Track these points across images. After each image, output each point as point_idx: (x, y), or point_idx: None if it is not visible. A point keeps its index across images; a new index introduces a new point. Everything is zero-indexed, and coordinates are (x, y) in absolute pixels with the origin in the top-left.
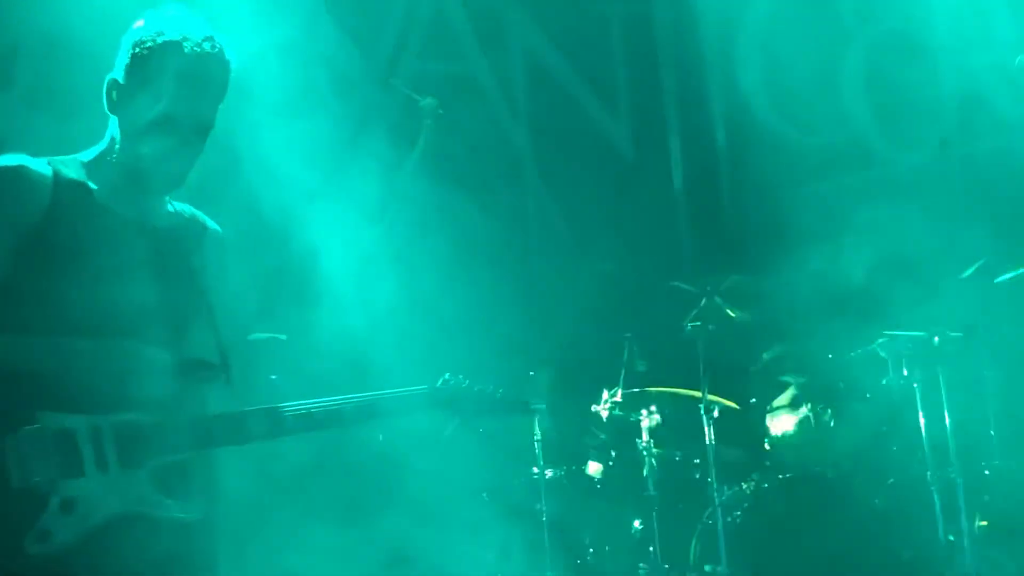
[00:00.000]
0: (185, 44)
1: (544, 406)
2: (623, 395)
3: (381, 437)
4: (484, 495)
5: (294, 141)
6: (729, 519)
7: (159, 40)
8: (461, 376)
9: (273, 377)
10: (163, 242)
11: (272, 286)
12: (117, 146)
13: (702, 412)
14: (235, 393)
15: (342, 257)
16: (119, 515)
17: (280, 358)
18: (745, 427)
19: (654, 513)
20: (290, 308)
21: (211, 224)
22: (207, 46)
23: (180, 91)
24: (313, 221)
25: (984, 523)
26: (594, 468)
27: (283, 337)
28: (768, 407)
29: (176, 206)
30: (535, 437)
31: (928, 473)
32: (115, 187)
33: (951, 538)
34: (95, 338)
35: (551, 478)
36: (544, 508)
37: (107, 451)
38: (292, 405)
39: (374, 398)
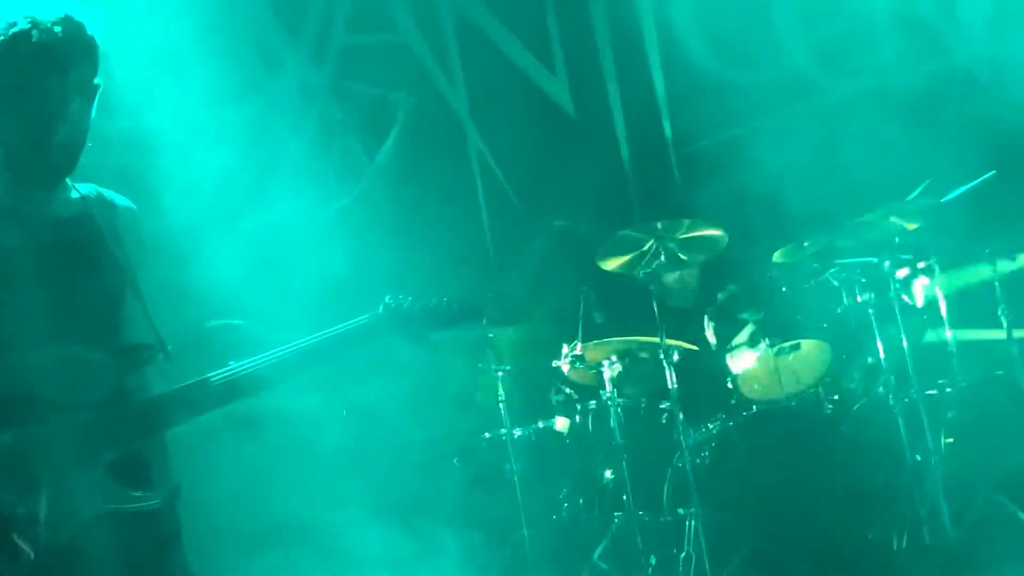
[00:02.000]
0: (34, 32)
1: (486, 316)
2: (583, 348)
3: (345, 412)
4: (455, 460)
5: (227, 123)
6: (698, 460)
7: (9, 32)
8: (401, 296)
9: (231, 363)
10: (73, 231)
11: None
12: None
13: (662, 357)
14: (177, 368)
15: (289, 233)
16: (90, 518)
17: (237, 344)
18: (707, 368)
19: (624, 462)
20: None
21: (120, 200)
22: (57, 30)
23: (27, 81)
24: (252, 201)
25: (950, 440)
26: (561, 423)
27: (239, 323)
28: (727, 346)
29: (82, 189)
30: (500, 398)
31: (890, 396)
32: (6, 187)
33: (918, 458)
34: (22, 347)
35: (519, 437)
36: (515, 467)
37: (60, 456)
38: (234, 367)
39: (320, 338)
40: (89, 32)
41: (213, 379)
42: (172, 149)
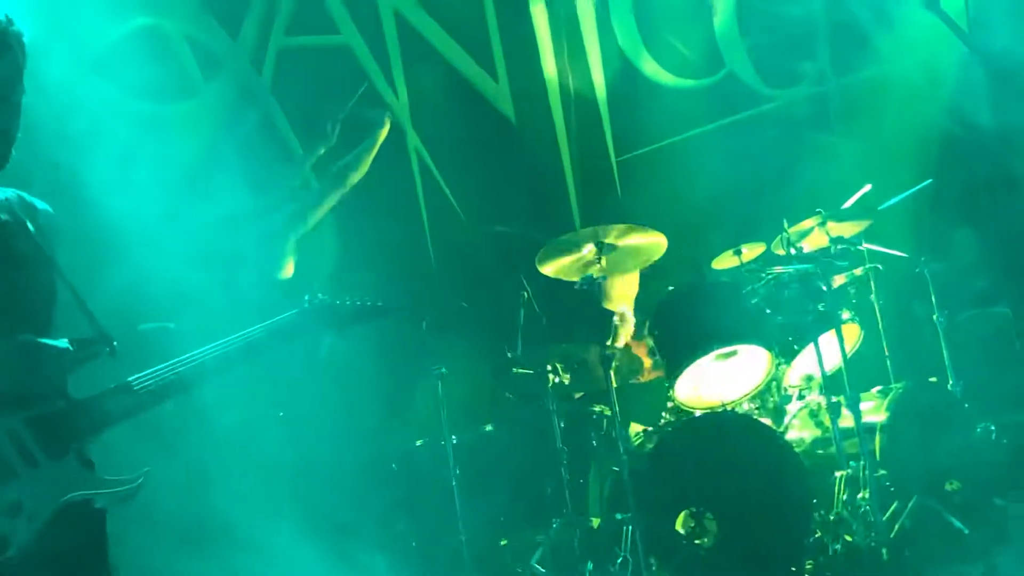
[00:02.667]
0: None
1: (402, 308)
2: (523, 353)
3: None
4: (393, 465)
5: (167, 125)
6: (636, 466)
7: None
8: (320, 295)
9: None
10: (2, 229)
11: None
12: None
13: (602, 363)
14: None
15: (228, 235)
16: (64, 504)
17: (170, 347)
18: (646, 373)
19: (564, 466)
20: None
21: (40, 204)
22: None
23: None
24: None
25: (884, 446)
26: (501, 428)
27: (172, 326)
28: (666, 352)
29: (3, 193)
30: (439, 403)
31: (823, 402)
32: None
33: (853, 464)
34: None
35: (458, 442)
36: (453, 472)
37: (30, 446)
38: (162, 367)
39: (250, 334)
40: (17, 26)
41: (138, 381)
42: (107, 150)
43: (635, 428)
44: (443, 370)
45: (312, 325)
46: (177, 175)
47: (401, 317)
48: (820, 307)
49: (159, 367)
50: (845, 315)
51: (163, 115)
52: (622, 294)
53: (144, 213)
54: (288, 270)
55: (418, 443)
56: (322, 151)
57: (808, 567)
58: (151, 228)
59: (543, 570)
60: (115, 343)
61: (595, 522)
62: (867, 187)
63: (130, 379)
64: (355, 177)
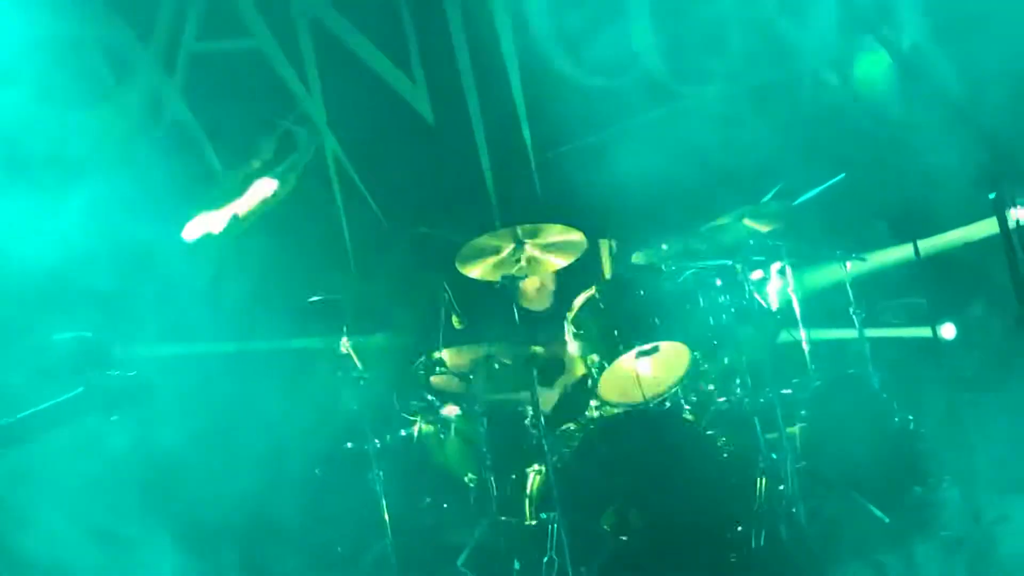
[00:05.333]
0: None
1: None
2: (445, 354)
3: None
4: (316, 470)
5: (78, 131)
6: (560, 464)
7: None
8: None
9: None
10: None
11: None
12: None
13: (523, 362)
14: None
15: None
16: None
17: (87, 356)
18: (568, 371)
19: (488, 467)
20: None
21: None
22: None
23: None
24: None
25: (804, 438)
26: (424, 430)
27: (88, 335)
28: (588, 349)
29: None
30: (361, 406)
31: (747, 397)
32: None
33: (774, 456)
34: None
35: (381, 445)
36: (377, 475)
37: None
38: None
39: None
40: None
41: None
42: (13, 157)
43: (560, 426)
44: (366, 374)
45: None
46: (89, 183)
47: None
48: (739, 302)
49: None
50: (763, 308)
51: (73, 121)
52: (544, 293)
53: (57, 217)
54: (206, 279)
55: (348, 444)
56: (257, 165)
57: (732, 560)
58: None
59: (469, 572)
60: None
61: (521, 522)
62: (782, 183)
63: None
64: (283, 191)
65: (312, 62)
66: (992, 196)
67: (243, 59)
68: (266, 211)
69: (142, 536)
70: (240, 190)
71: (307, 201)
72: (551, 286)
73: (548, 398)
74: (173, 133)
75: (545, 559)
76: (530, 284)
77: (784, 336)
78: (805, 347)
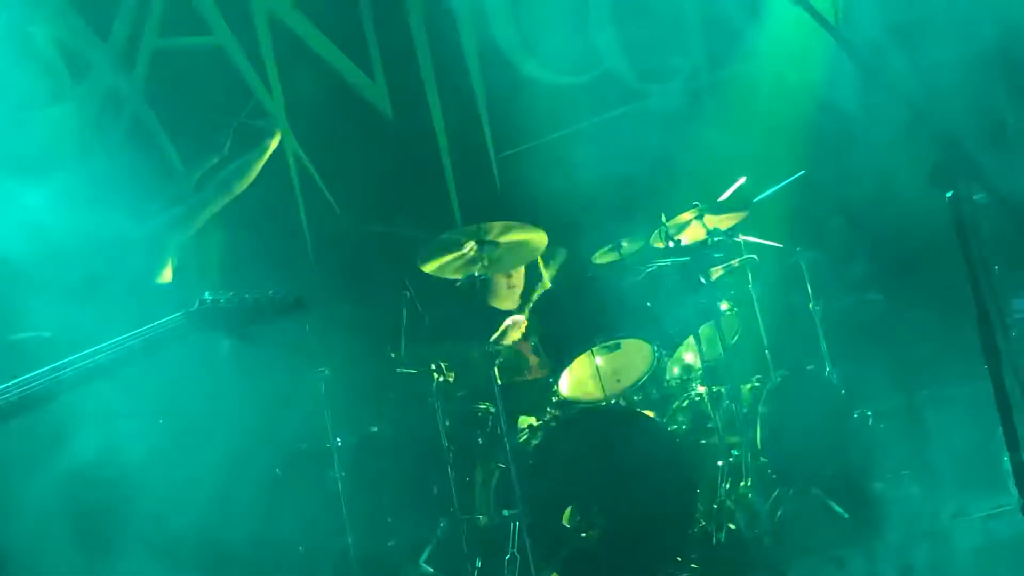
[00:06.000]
0: None
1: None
2: (406, 352)
3: (162, 421)
4: (276, 469)
5: (33, 128)
6: (522, 462)
7: None
8: (222, 292)
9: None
10: None
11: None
12: None
13: (486, 360)
14: None
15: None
16: None
17: (47, 356)
18: (530, 369)
19: (450, 466)
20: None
21: None
22: None
23: None
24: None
25: (764, 434)
26: (386, 429)
27: (47, 334)
28: (550, 347)
29: None
30: (323, 404)
31: (705, 392)
32: None
33: (735, 453)
34: None
35: (343, 443)
36: (339, 474)
37: None
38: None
39: (132, 338)
40: None
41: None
42: None
43: (522, 424)
44: (326, 372)
45: (203, 326)
46: (47, 182)
47: (301, 314)
48: (699, 299)
49: (25, 377)
50: (724, 306)
51: (30, 120)
52: (505, 291)
53: (9, 220)
54: (166, 275)
55: (303, 446)
56: (215, 161)
57: (693, 556)
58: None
59: (431, 570)
60: None
61: (483, 520)
62: (742, 179)
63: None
64: (241, 186)
65: (272, 60)
66: (949, 195)
67: (204, 56)
68: (225, 207)
69: (95, 535)
70: (199, 187)
71: (267, 198)
72: (520, 285)
73: (511, 395)
74: (133, 130)
75: (507, 557)
76: (493, 282)
77: (743, 332)
78: (764, 343)
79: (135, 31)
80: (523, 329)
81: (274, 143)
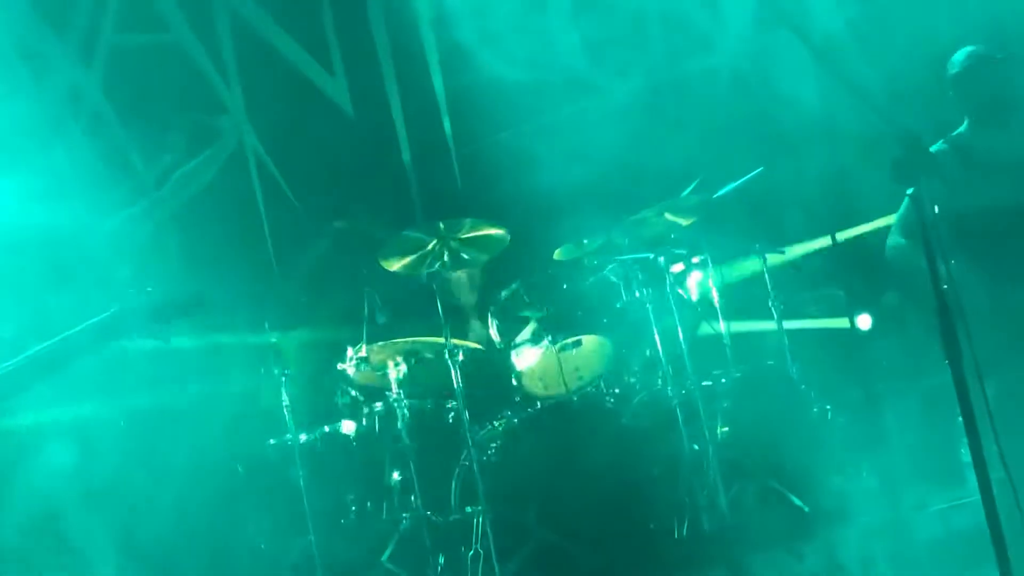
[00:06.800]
0: None
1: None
2: (367, 349)
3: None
4: (239, 467)
5: None
6: (484, 458)
7: None
8: (150, 288)
9: None
10: None
11: None
12: None
13: (447, 357)
14: None
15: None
16: None
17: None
18: (491, 366)
19: (411, 463)
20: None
21: None
22: None
23: None
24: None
25: (725, 429)
26: (348, 427)
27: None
28: (511, 344)
29: None
30: (284, 402)
31: (668, 388)
32: None
33: (696, 447)
34: None
35: (305, 442)
36: (300, 472)
37: None
38: None
39: (54, 343)
40: None
41: None
42: None
43: (484, 420)
44: (288, 370)
45: (115, 335)
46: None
47: (215, 310)
48: (660, 294)
49: None
50: (684, 300)
51: None
52: (466, 288)
53: None
54: (127, 270)
55: (271, 441)
56: (174, 158)
57: (654, 551)
58: None
59: (394, 567)
60: None
61: (446, 516)
62: (701, 176)
63: None
64: (200, 182)
65: (231, 55)
66: (910, 191)
67: (162, 53)
68: (185, 204)
69: (54, 535)
70: (158, 183)
71: (226, 195)
72: (475, 281)
73: (472, 391)
74: (93, 126)
75: (470, 553)
76: (454, 279)
77: (704, 328)
78: (725, 339)
79: (93, 27)
80: (489, 323)
81: (233, 140)
